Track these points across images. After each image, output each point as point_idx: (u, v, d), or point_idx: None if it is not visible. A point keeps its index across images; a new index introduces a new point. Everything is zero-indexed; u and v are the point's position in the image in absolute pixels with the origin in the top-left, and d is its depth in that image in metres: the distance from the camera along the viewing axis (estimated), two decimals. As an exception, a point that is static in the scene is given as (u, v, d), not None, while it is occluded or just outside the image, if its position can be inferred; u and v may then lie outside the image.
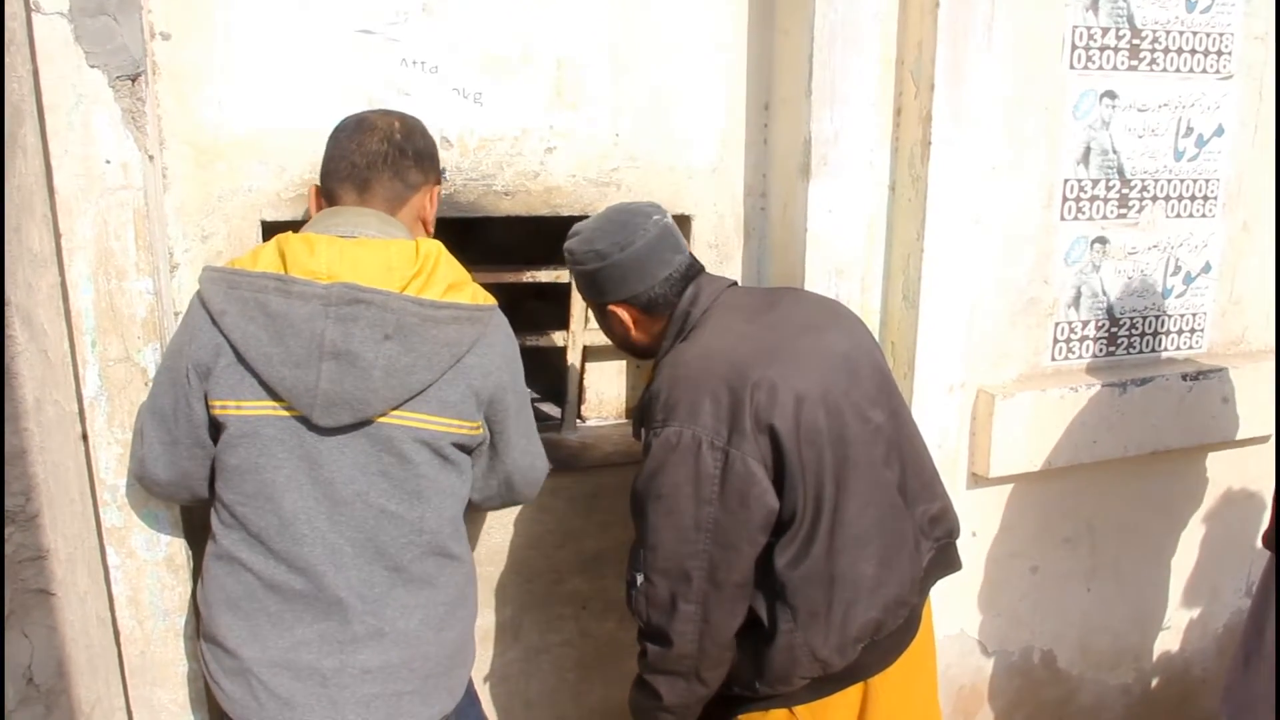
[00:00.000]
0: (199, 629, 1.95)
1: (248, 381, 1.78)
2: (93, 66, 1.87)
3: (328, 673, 1.82)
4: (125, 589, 2.11)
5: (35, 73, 1.85)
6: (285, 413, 1.78)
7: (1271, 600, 2.56)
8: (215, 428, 1.83)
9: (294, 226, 2.19)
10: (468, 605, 2.00)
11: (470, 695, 2.09)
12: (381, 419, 1.78)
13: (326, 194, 1.96)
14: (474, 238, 2.73)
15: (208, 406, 1.81)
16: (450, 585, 1.92)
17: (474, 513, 2.20)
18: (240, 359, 1.77)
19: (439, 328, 1.78)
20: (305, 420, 1.78)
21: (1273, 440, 3.39)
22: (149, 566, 2.11)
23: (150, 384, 1.99)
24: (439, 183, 2.04)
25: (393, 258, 1.78)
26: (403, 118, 1.98)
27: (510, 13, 2.31)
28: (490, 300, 1.90)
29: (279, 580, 1.83)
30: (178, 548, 2.12)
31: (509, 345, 1.93)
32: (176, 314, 2.18)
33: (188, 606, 2.15)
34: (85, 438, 2.01)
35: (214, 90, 2.13)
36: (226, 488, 1.84)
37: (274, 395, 1.77)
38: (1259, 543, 3.56)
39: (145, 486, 1.96)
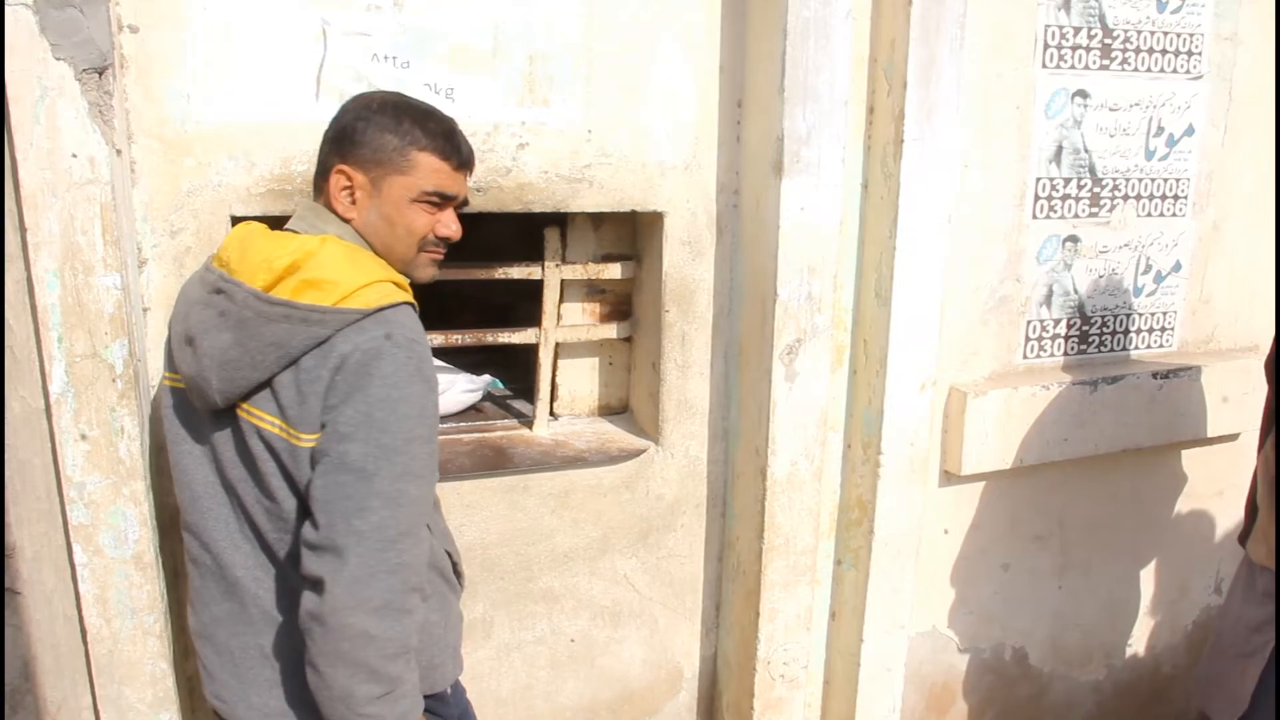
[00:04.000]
0: None
1: (169, 352, 1.85)
2: (59, 59, 1.86)
3: (236, 652, 1.82)
4: (92, 587, 2.09)
5: (-1, 65, 1.84)
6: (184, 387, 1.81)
7: (1235, 591, 2.61)
8: None
9: (264, 222, 2.18)
10: None
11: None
12: (238, 410, 1.73)
13: None
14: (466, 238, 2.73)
15: None
16: None
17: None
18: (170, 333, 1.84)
19: (268, 325, 1.66)
20: None
21: (1242, 437, 3.42)
22: (117, 564, 2.09)
23: (114, 380, 2.00)
24: (358, 165, 1.77)
25: (278, 251, 1.70)
26: (369, 92, 1.88)
27: (481, 8, 2.30)
28: (372, 304, 1.66)
29: (195, 554, 1.85)
30: (146, 545, 2.10)
31: (372, 362, 1.63)
32: (145, 310, 2.17)
33: (157, 604, 2.14)
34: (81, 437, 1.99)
35: (183, 84, 2.11)
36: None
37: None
38: (1228, 540, 3.59)
39: None
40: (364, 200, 1.79)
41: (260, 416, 1.69)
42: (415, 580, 1.65)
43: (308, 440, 1.65)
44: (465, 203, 1.90)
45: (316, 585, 1.60)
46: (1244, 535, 2.59)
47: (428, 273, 1.88)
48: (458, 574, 2.03)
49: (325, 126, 2.13)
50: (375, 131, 1.76)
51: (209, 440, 1.80)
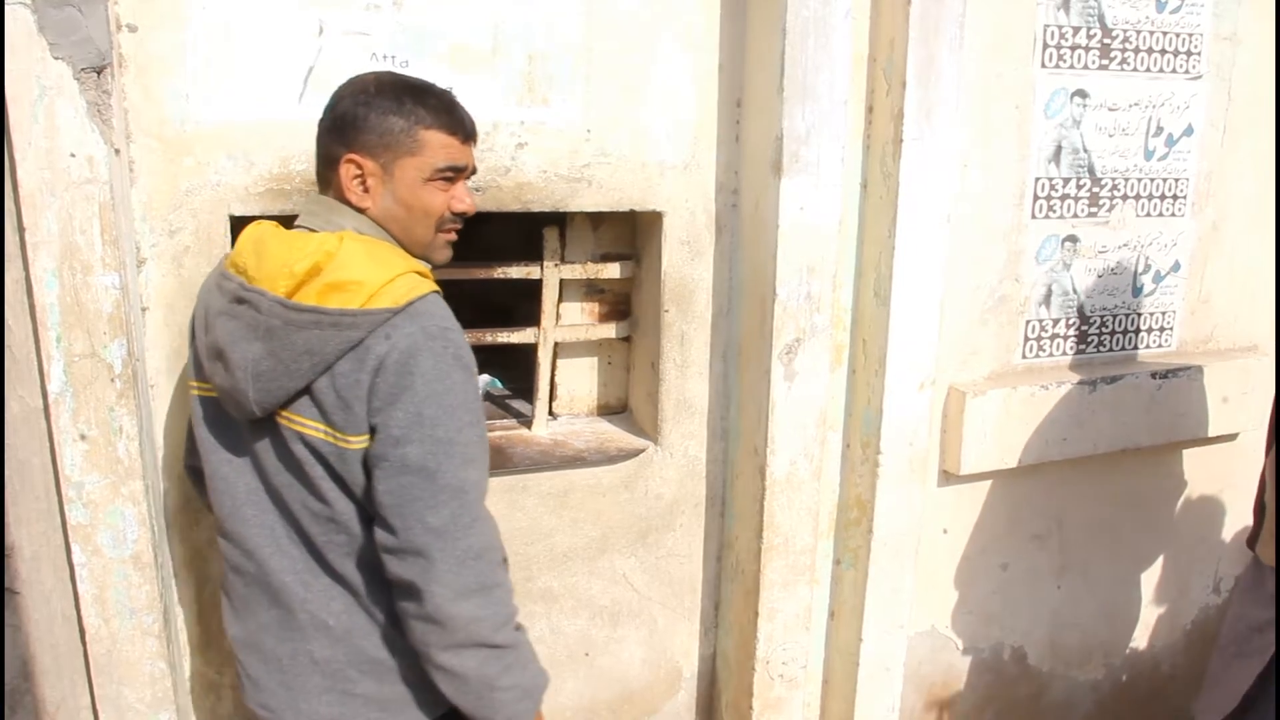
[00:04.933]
0: None
1: (196, 362, 1.85)
2: (57, 58, 1.85)
3: (284, 659, 1.82)
4: (91, 587, 2.09)
5: (-2, 64, 1.83)
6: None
7: (1235, 594, 2.60)
8: None
9: (264, 220, 2.18)
10: None
11: None
12: (278, 417, 1.72)
13: None
14: (472, 237, 2.73)
15: None
16: (388, 600, 1.76)
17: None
18: (194, 342, 1.85)
19: (299, 333, 1.64)
20: None
21: (1241, 437, 3.43)
22: (115, 564, 2.09)
23: (112, 379, 2.00)
24: (367, 152, 1.75)
25: (296, 254, 1.67)
26: (358, 77, 1.82)
27: (480, 7, 2.30)
28: (401, 300, 1.65)
29: (237, 563, 1.85)
30: (145, 545, 2.10)
31: (411, 360, 1.63)
32: (144, 309, 2.16)
33: (156, 604, 2.14)
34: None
35: (181, 83, 2.10)
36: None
37: None
38: (1228, 539, 3.59)
39: None
40: (377, 187, 1.77)
41: (302, 423, 1.68)
42: (498, 556, 1.72)
43: (356, 443, 1.66)
44: (474, 172, 1.89)
45: (411, 590, 1.65)
46: (1252, 538, 2.58)
47: (444, 254, 1.87)
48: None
49: (324, 123, 2.12)
50: (378, 115, 1.74)
51: (250, 448, 1.79)
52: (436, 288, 1.74)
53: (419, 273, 1.73)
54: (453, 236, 1.87)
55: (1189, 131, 3.12)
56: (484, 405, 2.91)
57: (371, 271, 1.65)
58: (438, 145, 1.77)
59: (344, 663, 1.78)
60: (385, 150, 1.75)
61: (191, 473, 2.09)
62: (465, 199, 1.84)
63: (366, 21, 2.21)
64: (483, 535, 1.68)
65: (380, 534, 1.67)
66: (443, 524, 1.63)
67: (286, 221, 1.83)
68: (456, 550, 1.63)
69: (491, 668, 1.68)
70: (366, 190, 1.77)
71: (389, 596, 1.74)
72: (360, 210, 1.77)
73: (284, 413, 1.70)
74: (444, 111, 1.78)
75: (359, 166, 1.75)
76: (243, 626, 1.88)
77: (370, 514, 1.70)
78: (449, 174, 1.80)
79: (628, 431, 2.82)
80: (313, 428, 1.68)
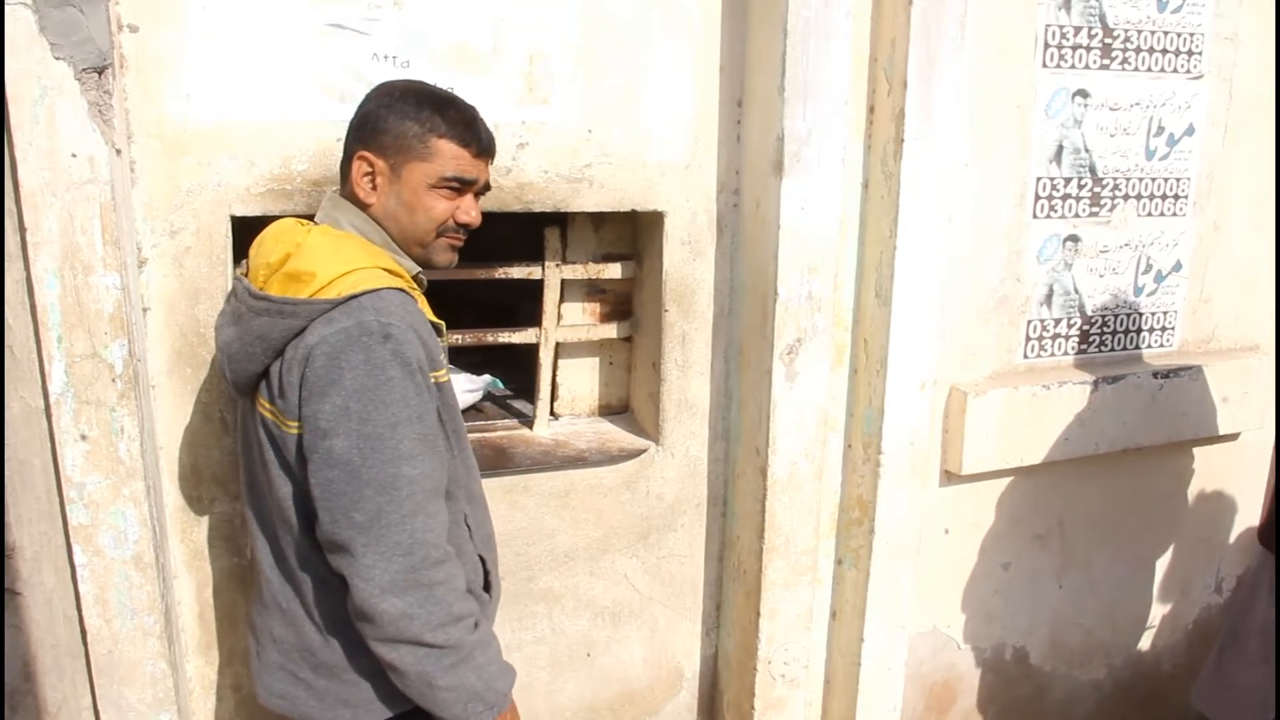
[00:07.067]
0: None
1: None
2: (58, 58, 1.85)
3: (259, 630, 1.91)
4: (92, 587, 2.09)
5: (-1, 64, 1.83)
6: None
7: (1259, 594, 2.56)
8: None
9: (264, 221, 2.18)
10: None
11: None
12: (255, 401, 1.80)
13: None
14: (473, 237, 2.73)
15: None
16: (333, 595, 1.78)
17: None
18: None
19: (255, 319, 1.73)
20: None
21: (1243, 437, 3.42)
22: (117, 565, 2.09)
23: (114, 380, 2.00)
24: (379, 151, 1.80)
25: (276, 247, 1.78)
26: (389, 81, 1.89)
27: (481, 7, 2.30)
28: (345, 293, 1.67)
29: (250, 538, 1.97)
30: (146, 546, 2.10)
31: (341, 354, 1.65)
32: (145, 309, 2.16)
33: (157, 605, 2.14)
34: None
35: (182, 83, 2.10)
36: None
37: None
38: (1230, 539, 3.59)
39: None
40: (384, 186, 1.82)
41: (263, 404, 1.76)
42: (436, 554, 1.69)
43: (292, 427, 1.71)
44: (487, 188, 1.92)
45: (347, 584, 1.68)
46: (1268, 533, 2.53)
47: (446, 257, 1.90)
48: (489, 585, 1.98)
49: (325, 126, 2.14)
50: (396, 119, 1.80)
51: (246, 429, 1.88)
52: (403, 284, 1.77)
53: (388, 270, 1.76)
54: (456, 242, 1.91)
55: (1190, 131, 3.12)
56: (482, 405, 2.93)
57: (327, 264, 1.71)
58: (448, 155, 1.82)
59: (292, 645, 1.84)
60: (397, 152, 1.80)
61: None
62: (471, 211, 1.88)
63: (367, 21, 2.21)
64: (416, 533, 1.66)
65: (317, 528, 1.70)
66: (367, 520, 1.64)
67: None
68: (382, 545, 1.64)
69: (429, 666, 1.67)
70: (374, 188, 1.83)
71: (324, 594, 1.79)
72: (365, 206, 1.84)
73: (256, 396, 1.78)
74: (460, 124, 1.83)
75: (370, 164, 1.82)
76: (253, 599, 1.98)
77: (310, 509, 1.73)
78: (455, 184, 1.84)
79: (629, 432, 2.81)
80: (268, 409, 1.75)
